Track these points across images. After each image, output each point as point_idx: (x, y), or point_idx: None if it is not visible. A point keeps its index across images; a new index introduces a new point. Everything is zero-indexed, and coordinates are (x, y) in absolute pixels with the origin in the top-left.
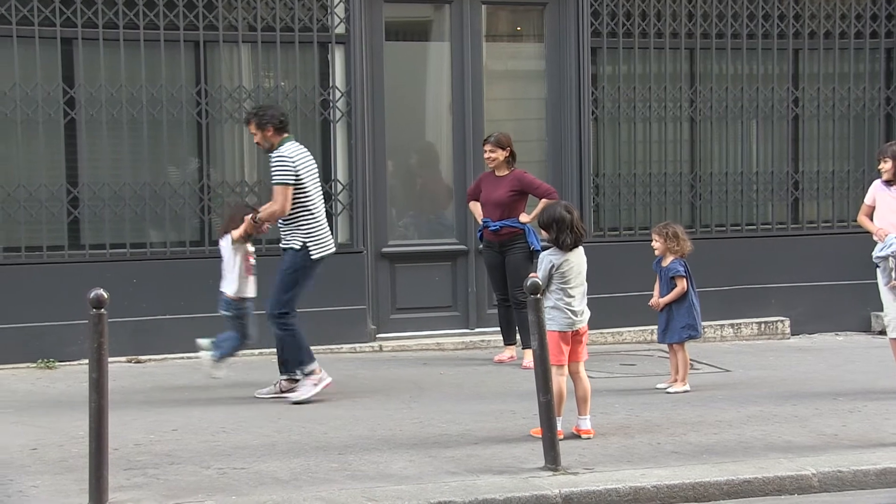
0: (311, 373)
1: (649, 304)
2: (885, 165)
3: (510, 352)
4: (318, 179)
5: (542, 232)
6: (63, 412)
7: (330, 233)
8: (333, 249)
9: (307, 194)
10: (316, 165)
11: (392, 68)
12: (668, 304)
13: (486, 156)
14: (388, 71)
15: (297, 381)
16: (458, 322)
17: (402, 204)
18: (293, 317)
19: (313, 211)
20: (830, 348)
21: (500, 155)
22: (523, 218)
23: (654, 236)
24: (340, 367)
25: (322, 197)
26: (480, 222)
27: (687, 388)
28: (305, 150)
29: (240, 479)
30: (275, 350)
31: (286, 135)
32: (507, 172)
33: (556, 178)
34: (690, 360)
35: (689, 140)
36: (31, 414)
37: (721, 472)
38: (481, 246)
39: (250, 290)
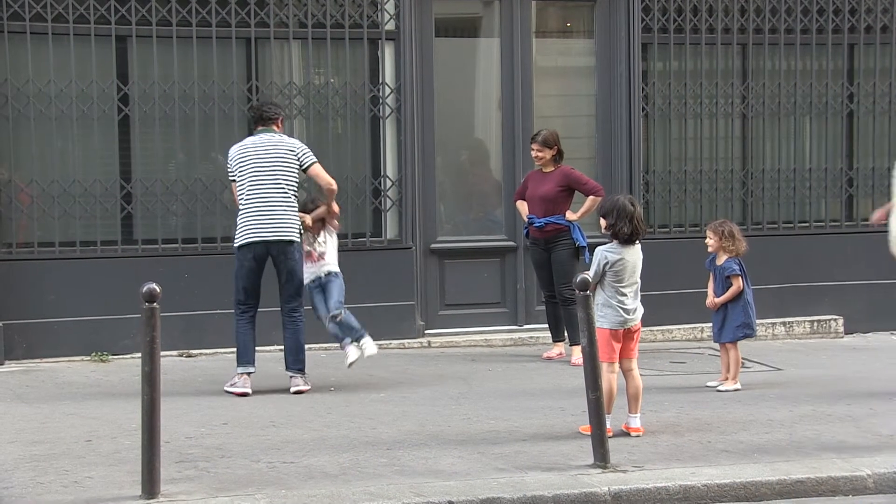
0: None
1: (706, 304)
2: None
3: (559, 348)
4: (254, 171)
5: (602, 220)
6: (116, 405)
7: (261, 222)
8: (257, 238)
9: (240, 187)
10: (256, 156)
11: (441, 65)
12: (724, 303)
13: (533, 154)
14: (437, 67)
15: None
16: (506, 318)
17: (451, 200)
18: (238, 310)
19: (243, 202)
20: (885, 348)
21: (548, 153)
22: (569, 215)
23: (709, 234)
24: (389, 363)
25: (256, 188)
26: (526, 220)
27: (738, 386)
28: (250, 143)
29: (289, 473)
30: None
31: (260, 127)
32: (553, 169)
33: (606, 175)
34: (742, 358)
35: (741, 137)
36: (85, 406)
37: (773, 471)
38: (528, 243)
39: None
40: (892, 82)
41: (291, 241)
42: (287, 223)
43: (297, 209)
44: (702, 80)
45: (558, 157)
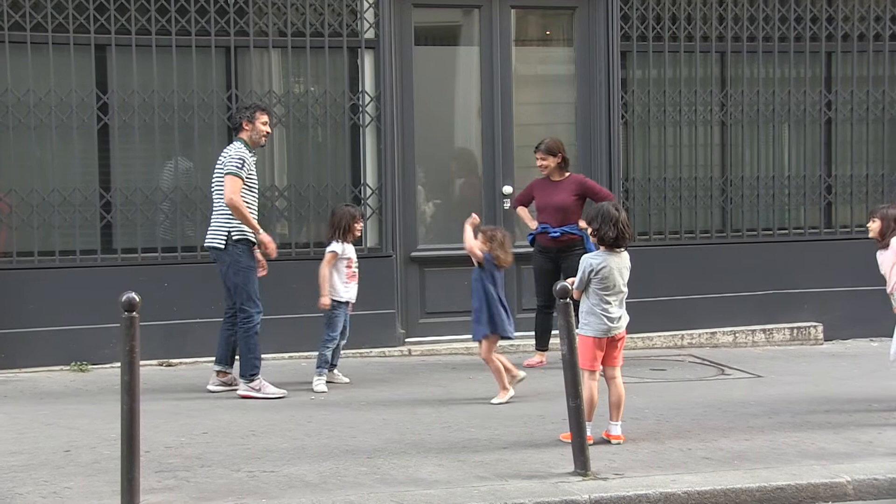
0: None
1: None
2: None
3: (540, 356)
4: (214, 179)
5: (587, 226)
6: (96, 414)
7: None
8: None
9: None
10: (218, 166)
11: (421, 73)
12: None
13: (538, 163)
14: (417, 75)
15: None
16: None
17: (432, 208)
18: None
19: None
20: (865, 354)
21: (552, 161)
22: (582, 224)
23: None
24: (370, 372)
25: (215, 194)
26: (532, 227)
27: None
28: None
29: (269, 482)
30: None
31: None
32: (563, 177)
33: None
34: (721, 365)
35: (720, 144)
36: (64, 416)
37: (753, 478)
38: (533, 250)
39: (349, 294)
40: (870, 90)
41: (216, 248)
42: (216, 230)
43: (229, 216)
44: (681, 88)
45: (564, 164)
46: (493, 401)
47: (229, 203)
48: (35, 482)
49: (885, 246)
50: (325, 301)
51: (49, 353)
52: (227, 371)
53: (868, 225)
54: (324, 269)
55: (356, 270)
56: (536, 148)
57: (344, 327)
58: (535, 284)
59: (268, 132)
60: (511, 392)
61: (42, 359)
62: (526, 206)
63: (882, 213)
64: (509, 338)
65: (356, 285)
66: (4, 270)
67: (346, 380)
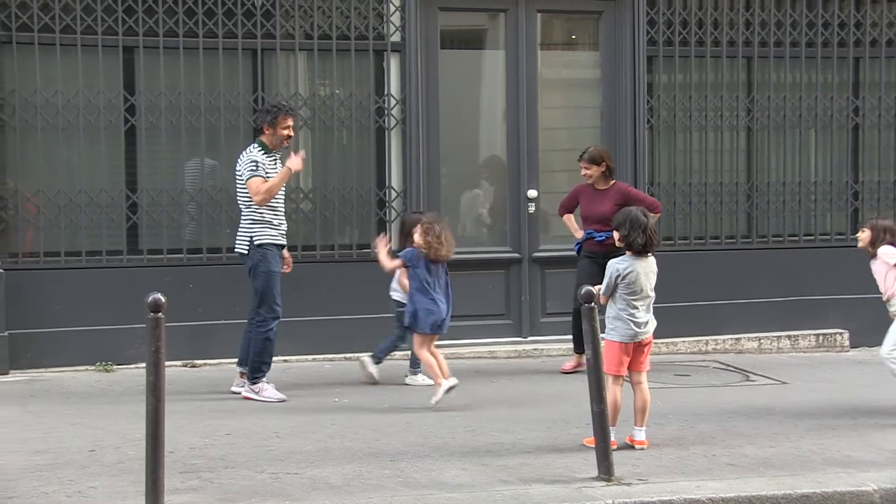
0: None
1: None
2: None
3: (577, 360)
4: (236, 186)
5: (615, 233)
6: (120, 414)
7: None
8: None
9: None
10: (237, 174)
11: (447, 76)
12: None
13: (582, 172)
14: (442, 79)
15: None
16: (511, 330)
17: (456, 211)
18: None
19: None
20: None
21: (595, 171)
22: (615, 235)
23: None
24: (394, 375)
25: (239, 202)
26: (578, 237)
27: None
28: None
29: (293, 484)
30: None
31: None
32: (608, 186)
33: None
34: (746, 371)
35: (746, 149)
36: (89, 415)
37: (778, 485)
38: (580, 257)
39: None
40: None
41: (241, 254)
42: (241, 236)
43: (252, 222)
44: (707, 93)
45: (609, 173)
46: (432, 400)
47: (263, 202)
48: (60, 481)
49: (875, 256)
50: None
51: (74, 354)
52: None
53: (858, 235)
54: (402, 279)
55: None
56: (580, 156)
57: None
58: (577, 287)
59: (290, 136)
60: (448, 384)
61: (67, 359)
62: (571, 213)
63: (872, 223)
64: (429, 333)
65: None
66: (31, 270)
67: (377, 378)
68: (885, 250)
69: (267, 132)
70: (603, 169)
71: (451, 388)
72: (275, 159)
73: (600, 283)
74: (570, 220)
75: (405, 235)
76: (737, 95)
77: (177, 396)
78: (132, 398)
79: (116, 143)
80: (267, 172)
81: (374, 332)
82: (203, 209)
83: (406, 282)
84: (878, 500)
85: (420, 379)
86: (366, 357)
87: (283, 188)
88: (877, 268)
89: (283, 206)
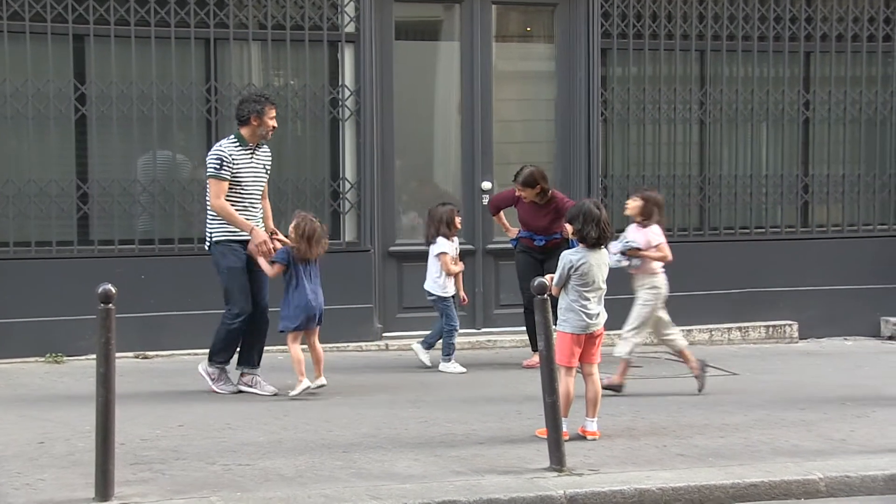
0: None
1: None
2: None
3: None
4: None
5: (568, 226)
6: (70, 406)
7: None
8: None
9: None
10: None
11: (402, 68)
12: None
13: (516, 193)
14: (397, 70)
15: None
16: (464, 322)
17: (410, 203)
18: None
19: None
20: (839, 353)
21: (530, 193)
22: (568, 230)
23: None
24: (346, 366)
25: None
26: (512, 234)
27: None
28: None
29: (245, 476)
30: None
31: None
32: (545, 201)
33: (565, 179)
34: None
35: (699, 142)
36: (38, 408)
37: (727, 475)
38: (517, 251)
39: (452, 286)
40: (847, 90)
41: (208, 248)
42: (206, 231)
43: (213, 217)
44: (660, 86)
45: (543, 192)
46: (292, 393)
47: (213, 208)
48: (8, 474)
49: (644, 226)
50: (464, 298)
51: (24, 345)
52: (248, 372)
53: (627, 203)
54: (449, 267)
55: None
56: (515, 177)
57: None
58: (520, 284)
59: (274, 126)
60: (306, 381)
61: (17, 350)
62: (502, 210)
63: (644, 195)
64: (282, 331)
65: (454, 278)
66: None
67: (429, 364)
68: (655, 229)
69: (254, 123)
70: (537, 191)
71: (307, 390)
72: (251, 152)
73: (538, 276)
74: (501, 218)
75: (437, 224)
76: (690, 88)
77: (128, 388)
78: (82, 390)
79: (67, 133)
80: (234, 168)
81: (335, 322)
82: (155, 199)
83: (452, 268)
84: (824, 488)
85: (451, 366)
86: (416, 344)
87: (257, 176)
88: (635, 236)
89: (253, 199)
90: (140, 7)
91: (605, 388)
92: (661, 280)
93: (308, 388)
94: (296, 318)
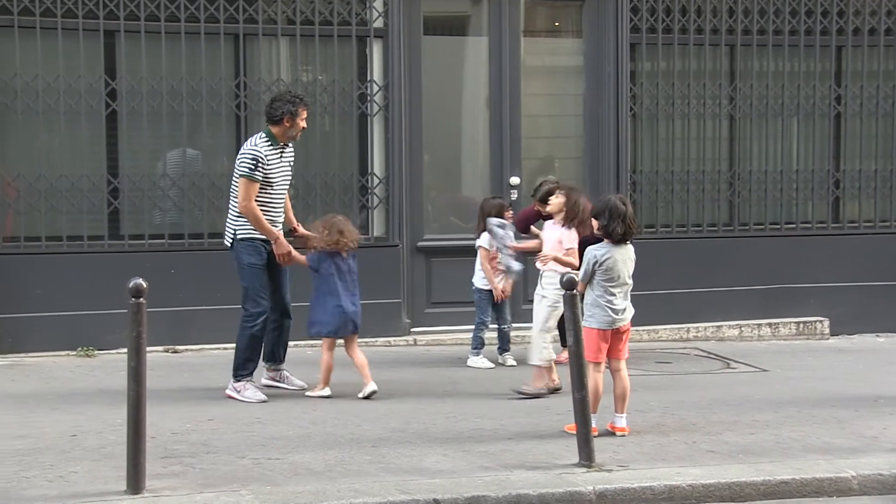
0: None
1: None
2: None
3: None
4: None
5: (594, 221)
6: (101, 400)
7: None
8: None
9: None
10: (237, 160)
11: (430, 63)
12: None
13: (535, 207)
14: (425, 65)
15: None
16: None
17: (439, 198)
18: None
19: None
20: (870, 349)
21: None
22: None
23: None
24: (375, 361)
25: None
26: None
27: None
28: None
29: (274, 470)
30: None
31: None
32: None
33: (593, 174)
34: (726, 358)
35: (728, 137)
36: (70, 401)
37: (758, 472)
38: None
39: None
40: (880, 84)
41: (227, 245)
42: (227, 227)
43: (238, 214)
44: (690, 81)
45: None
46: (308, 393)
47: (242, 211)
48: (41, 466)
49: (567, 226)
50: (501, 290)
51: (55, 339)
52: (275, 368)
53: (552, 199)
54: (485, 264)
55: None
56: (533, 192)
57: (501, 312)
58: None
59: (304, 127)
60: (327, 390)
61: (48, 344)
62: (532, 223)
63: (567, 193)
64: (329, 336)
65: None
66: (12, 255)
67: (514, 363)
68: (567, 233)
69: (286, 124)
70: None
71: (323, 397)
72: (280, 153)
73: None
74: (533, 230)
75: (483, 219)
76: (719, 83)
77: (158, 382)
78: (113, 383)
79: (97, 128)
80: (266, 169)
81: (364, 317)
82: (185, 194)
83: (489, 266)
84: (857, 486)
85: (480, 361)
86: (478, 355)
87: (286, 177)
88: (548, 234)
89: (280, 199)
90: (170, 3)
91: (532, 396)
92: None
93: (325, 396)
94: (329, 323)
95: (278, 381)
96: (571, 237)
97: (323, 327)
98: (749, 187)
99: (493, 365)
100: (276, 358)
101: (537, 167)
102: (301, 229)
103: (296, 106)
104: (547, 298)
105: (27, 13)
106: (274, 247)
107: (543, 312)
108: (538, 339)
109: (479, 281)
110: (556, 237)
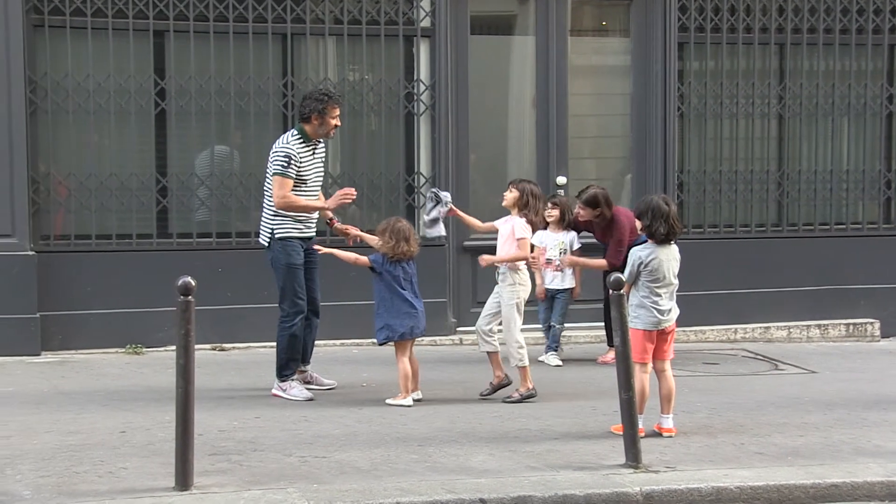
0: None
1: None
2: None
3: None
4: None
5: (637, 221)
6: (150, 397)
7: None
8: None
9: None
10: (270, 158)
11: (476, 62)
12: None
13: (575, 209)
14: (472, 65)
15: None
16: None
17: (485, 197)
18: None
19: None
20: None
21: (589, 214)
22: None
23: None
24: (421, 360)
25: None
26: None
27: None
28: None
29: (321, 468)
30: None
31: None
32: (607, 220)
33: (640, 174)
34: (774, 359)
35: (777, 137)
36: (119, 398)
37: (807, 475)
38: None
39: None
40: None
41: (263, 245)
42: (263, 227)
43: (274, 213)
44: (738, 80)
45: (602, 217)
46: (388, 400)
47: (280, 207)
48: (92, 461)
49: (527, 218)
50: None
51: (105, 336)
52: (301, 369)
53: (505, 194)
54: (536, 261)
55: (552, 258)
56: (578, 194)
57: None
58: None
59: (337, 125)
60: (409, 399)
61: (98, 341)
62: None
63: (520, 186)
64: (402, 339)
65: (556, 273)
66: (62, 253)
67: (559, 363)
68: (521, 222)
69: (315, 122)
70: (597, 213)
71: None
72: (312, 150)
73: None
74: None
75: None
76: (768, 83)
77: (206, 380)
78: (161, 381)
79: (147, 127)
80: (299, 167)
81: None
82: (232, 193)
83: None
84: None
85: (552, 359)
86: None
87: (320, 175)
88: (504, 230)
89: (313, 196)
90: (219, 3)
91: (524, 398)
92: (524, 277)
93: (406, 405)
94: (401, 326)
95: (308, 382)
96: (523, 227)
97: (394, 332)
98: (798, 187)
99: (561, 363)
100: (303, 359)
101: (583, 167)
102: (338, 224)
103: (324, 104)
104: (504, 298)
105: (79, 14)
106: (328, 204)
107: (508, 314)
108: (510, 341)
109: (555, 283)
110: (508, 230)
